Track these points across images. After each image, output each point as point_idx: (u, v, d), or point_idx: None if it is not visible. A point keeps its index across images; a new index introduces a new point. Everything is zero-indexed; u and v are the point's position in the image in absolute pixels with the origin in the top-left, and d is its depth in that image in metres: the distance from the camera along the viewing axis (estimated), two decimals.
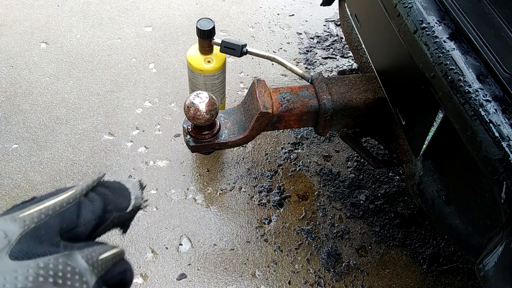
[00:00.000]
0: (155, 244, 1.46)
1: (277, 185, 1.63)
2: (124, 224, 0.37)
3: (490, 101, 0.77)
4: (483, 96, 0.77)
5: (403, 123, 1.09)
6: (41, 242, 0.29)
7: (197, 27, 1.42)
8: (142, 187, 0.40)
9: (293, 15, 2.31)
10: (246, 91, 1.91)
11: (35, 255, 0.28)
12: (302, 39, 2.18)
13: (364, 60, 1.58)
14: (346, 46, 2.15)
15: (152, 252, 1.44)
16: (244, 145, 1.71)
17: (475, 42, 0.85)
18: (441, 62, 0.85)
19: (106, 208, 0.34)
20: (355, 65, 2.07)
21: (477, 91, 0.78)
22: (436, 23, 0.91)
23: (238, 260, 1.45)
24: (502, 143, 0.72)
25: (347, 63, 2.09)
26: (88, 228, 0.33)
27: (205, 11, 2.27)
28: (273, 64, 2.02)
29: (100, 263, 0.31)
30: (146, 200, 0.40)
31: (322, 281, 1.42)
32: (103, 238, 0.35)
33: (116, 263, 0.33)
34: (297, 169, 1.69)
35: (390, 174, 1.70)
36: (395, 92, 1.15)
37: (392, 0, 1.01)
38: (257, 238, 1.50)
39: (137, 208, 0.38)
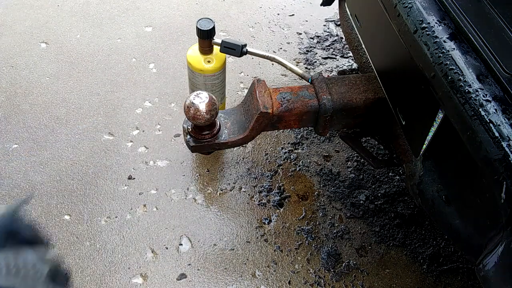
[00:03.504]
0: (155, 244, 1.46)
1: (277, 185, 1.63)
2: None
3: (490, 101, 0.77)
4: (483, 96, 0.77)
5: (403, 123, 1.09)
6: None
7: (197, 27, 1.42)
8: None
9: (293, 15, 2.31)
10: (246, 91, 1.91)
11: None
12: (302, 39, 2.18)
13: (364, 60, 1.58)
14: (346, 46, 2.15)
15: (152, 252, 1.44)
16: (244, 145, 1.71)
17: (475, 42, 0.85)
18: (441, 62, 0.85)
19: None
20: (355, 65, 2.07)
21: (477, 91, 0.78)
22: (436, 23, 0.91)
23: (238, 260, 1.45)
24: (502, 143, 0.72)
25: (347, 63, 2.09)
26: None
27: (205, 11, 2.27)
28: (273, 64, 2.02)
29: (49, 258, 0.35)
30: None
31: (322, 281, 1.42)
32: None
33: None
34: (297, 169, 1.69)
35: (390, 174, 1.70)
36: (395, 92, 1.15)
37: (392, 0, 1.01)
38: (257, 238, 1.50)
39: None
